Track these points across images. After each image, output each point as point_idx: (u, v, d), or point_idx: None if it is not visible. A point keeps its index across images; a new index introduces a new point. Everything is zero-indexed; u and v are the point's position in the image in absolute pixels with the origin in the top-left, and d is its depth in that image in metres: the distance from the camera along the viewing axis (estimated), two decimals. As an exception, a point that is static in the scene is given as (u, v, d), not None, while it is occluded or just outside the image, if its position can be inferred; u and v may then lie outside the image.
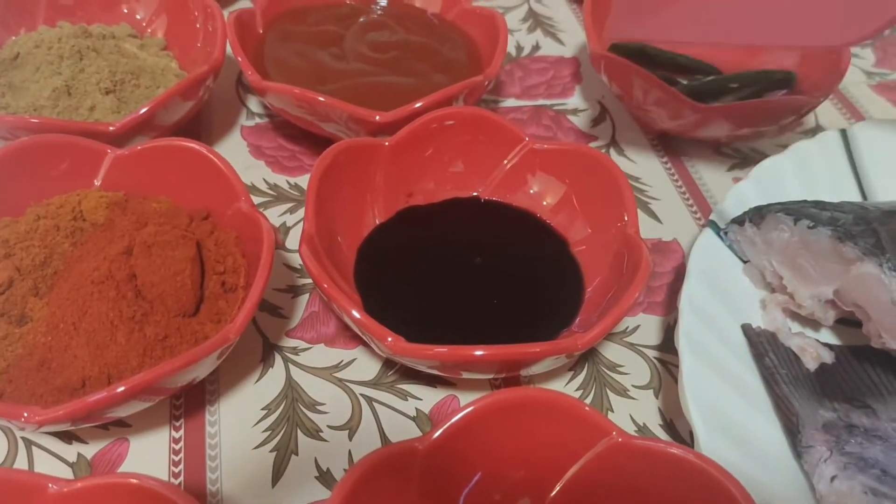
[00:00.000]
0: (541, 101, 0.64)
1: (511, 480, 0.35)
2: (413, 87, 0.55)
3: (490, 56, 0.57)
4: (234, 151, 0.57)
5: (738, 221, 0.46)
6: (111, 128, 0.48)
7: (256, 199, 0.53)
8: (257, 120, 0.60)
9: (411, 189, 0.50)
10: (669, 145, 0.61)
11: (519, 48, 0.69)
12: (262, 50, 0.57)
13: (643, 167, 0.59)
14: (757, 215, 0.46)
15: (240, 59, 0.53)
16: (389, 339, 0.38)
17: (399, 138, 0.49)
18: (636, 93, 0.57)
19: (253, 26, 0.58)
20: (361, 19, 0.60)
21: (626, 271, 0.43)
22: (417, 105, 0.50)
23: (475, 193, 0.51)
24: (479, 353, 0.37)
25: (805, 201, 0.45)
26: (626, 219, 0.45)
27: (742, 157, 0.60)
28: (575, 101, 0.64)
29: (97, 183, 0.47)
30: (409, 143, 0.49)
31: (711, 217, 0.48)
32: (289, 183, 0.55)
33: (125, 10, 0.60)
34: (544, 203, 0.49)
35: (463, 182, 0.51)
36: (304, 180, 0.55)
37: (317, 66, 0.56)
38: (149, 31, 0.60)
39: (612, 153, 0.60)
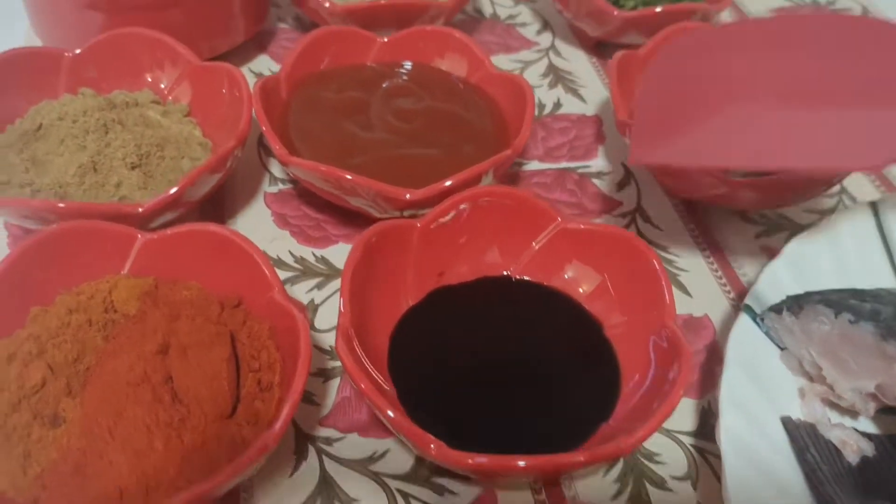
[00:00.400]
0: (564, 164, 0.63)
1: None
2: (441, 159, 0.54)
3: (516, 123, 0.57)
4: (259, 221, 0.56)
5: (776, 310, 0.46)
6: (140, 209, 0.48)
7: (283, 274, 0.53)
8: (280, 186, 0.59)
9: (442, 269, 0.50)
10: (695, 211, 0.60)
11: (541, 106, 0.68)
12: (286, 117, 0.57)
13: (670, 235, 0.58)
14: (795, 305, 0.45)
15: (264, 127, 0.52)
16: (432, 445, 0.37)
17: (430, 218, 0.48)
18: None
19: (277, 92, 0.58)
20: (385, 84, 0.60)
21: (664, 364, 0.43)
22: (448, 183, 0.50)
23: (506, 273, 0.51)
24: (521, 463, 0.37)
25: (844, 290, 0.45)
26: (663, 308, 0.44)
27: (769, 224, 0.60)
28: (599, 163, 0.64)
29: (126, 268, 0.46)
30: (441, 224, 0.49)
31: (747, 301, 0.48)
32: (315, 256, 0.54)
33: (149, 79, 0.59)
34: (580, 290, 0.49)
35: (494, 261, 0.51)
36: (330, 253, 0.55)
37: (343, 138, 0.55)
38: (171, 97, 0.59)
39: (638, 219, 0.59)
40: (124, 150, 0.52)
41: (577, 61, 0.74)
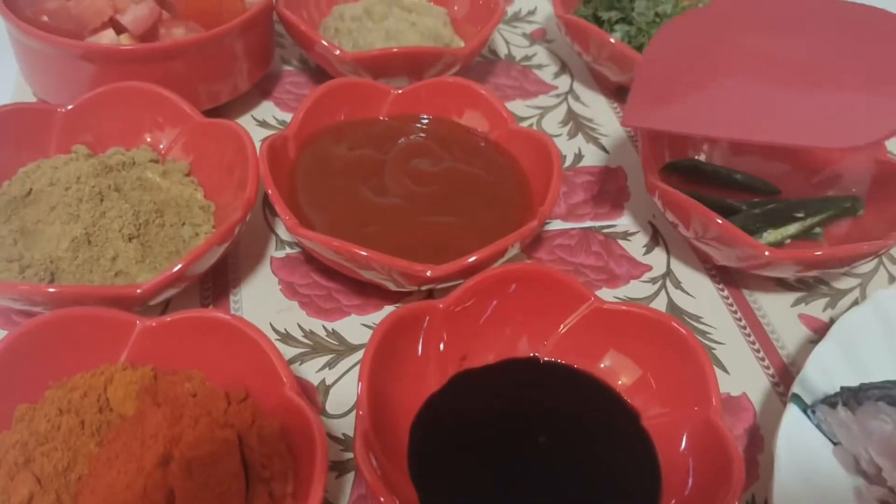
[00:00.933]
0: (588, 223, 0.60)
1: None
2: (462, 227, 0.51)
3: (540, 185, 0.53)
4: (266, 291, 0.52)
5: (830, 403, 0.42)
6: (138, 290, 0.44)
7: (292, 351, 0.49)
8: (288, 250, 0.55)
9: (465, 352, 0.46)
10: (728, 276, 0.57)
11: (561, 157, 0.65)
12: (295, 179, 0.53)
13: (703, 303, 0.55)
14: (852, 399, 0.42)
15: (270, 190, 0.49)
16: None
17: (454, 300, 0.45)
18: (695, 226, 0.53)
19: (285, 151, 0.54)
20: (401, 141, 0.56)
21: (710, 467, 0.39)
22: (471, 259, 0.46)
23: (533, 354, 0.47)
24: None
25: (904, 384, 0.42)
26: (708, 406, 0.41)
27: (807, 288, 0.57)
28: (625, 222, 0.60)
29: (123, 356, 0.42)
30: (464, 304, 0.45)
31: (795, 390, 0.44)
32: (326, 329, 0.51)
33: (147, 138, 0.55)
34: (619, 382, 0.45)
35: (520, 341, 0.47)
36: (343, 327, 0.51)
37: (356, 204, 0.51)
38: (171, 155, 0.55)
39: (669, 285, 0.56)
40: (121, 221, 0.48)
41: (598, 107, 0.70)
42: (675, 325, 0.43)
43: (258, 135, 0.63)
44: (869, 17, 0.52)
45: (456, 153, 0.56)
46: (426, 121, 0.59)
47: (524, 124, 0.67)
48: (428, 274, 0.46)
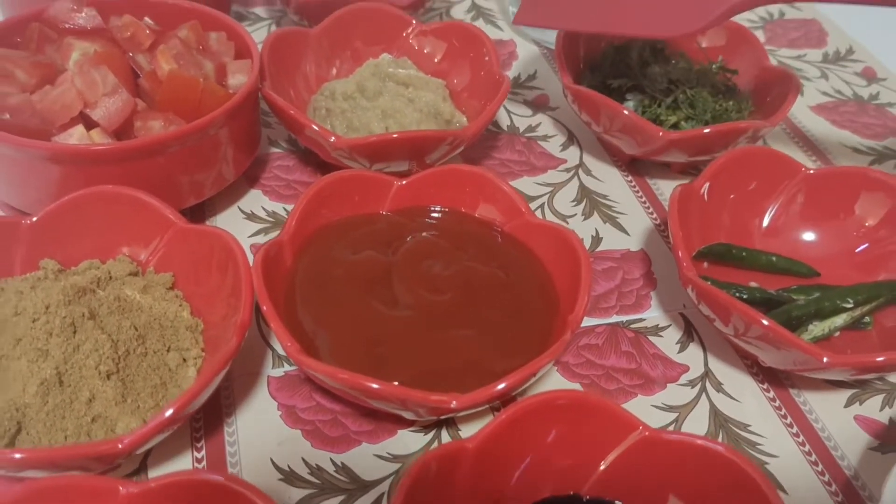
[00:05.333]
0: (615, 318, 0.54)
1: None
2: (483, 342, 0.46)
3: (566, 284, 0.48)
4: (264, 419, 0.47)
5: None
6: (120, 444, 0.38)
7: (298, 493, 0.43)
8: (286, 367, 0.50)
9: (498, 496, 0.40)
10: (774, 376, 0.52)
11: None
12: (293, 290, 0.47)
13: (748, 408, 0.50)
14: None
15: (265, 308, 0.43)
16: None
17: (484, 437, 0.39)
18: (735, 324, 0.48)
19: (280, 259, 0.48)
20: (409, 239, 0.50)
21: None
22: (500, 387, 0.41)
23: (574, 493, 0.41)
24: None
25: None
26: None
27: (860, 384, 0.52)
28: (654, 314, 0.55)
29: (104, 530, 0.36)
30: (497, 442, 0.39)
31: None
32: (335, 464, 0.45)
33: (125, 250, 0.50)
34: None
35: (560, 477, 0.41)
36: (353, 459, 0.45)
37: (363, 319, 0.46)
38: (152, 265, 0.50)
39: (709, 387, 0.50)
40: (97, 355, 0.42)
41: (612, 181, 0.66)
42: (745, 463, 0.38)
43: (246, 230, 0.58)
44: None
45: (470, 251, 0.50)
46: (434, 214, 0.54)
47: (535, 205, 0.62)
48: (453, 405, 0.41)
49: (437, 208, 0.54)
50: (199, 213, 0.58)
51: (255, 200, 0.61)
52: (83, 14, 0.58)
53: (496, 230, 0.53)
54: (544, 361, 0.42)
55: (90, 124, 0.53)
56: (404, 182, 0.53)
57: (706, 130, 0.59)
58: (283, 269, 0.48)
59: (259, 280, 0.45)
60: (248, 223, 0.59)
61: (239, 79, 0.58)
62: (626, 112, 0.60)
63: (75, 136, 0.52)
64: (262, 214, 0.60)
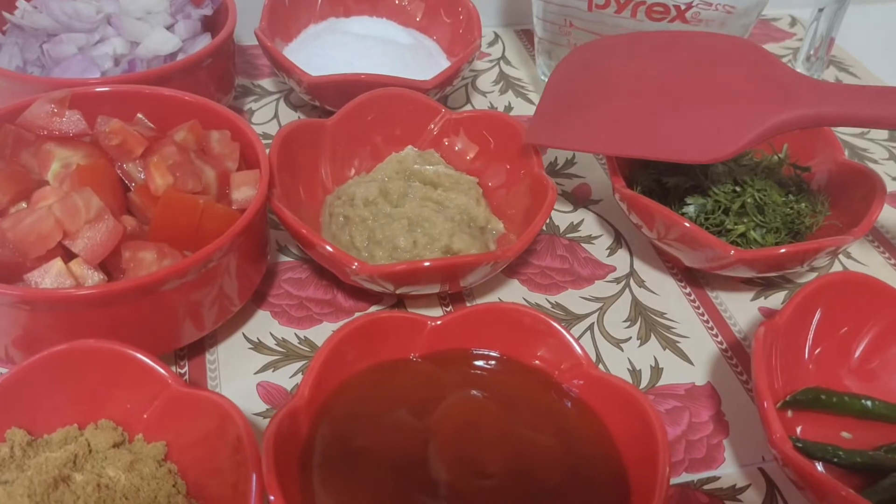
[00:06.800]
0: (684, 477, 0.46)
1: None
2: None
3: (636, 456, 0.40)
4: None
5: None
6: None
7: None
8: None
9: None
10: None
11: (634, 372, 0.52)
12: (310, 474, 0.40)
13: None
14: None
15: (275, 501, 0.35)
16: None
17: None
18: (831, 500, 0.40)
19: (295, 429, 0.40)
20: (447, 400, 0.43)
21: None
22: None
23: None
24: None
25: None
26: None
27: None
28: (729, 471, 0.47)
29: None
30: None
31: None
32: None
33: (110, 416, 0.42)
34: None
35: None
36: None
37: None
38: (141, 433, 0.42)
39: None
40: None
41: (668, 293, 0.58)
42: None
43: (253, 364, 0.50)
44: (724, 44, 0.57)
45: (520, 412, 0.43)
46: (475, 363, 0.45)
47: (583, 325, 0.54)
48: None
49: (478, 352, 0.46)
50: (197, 344, 0.50)
51: (263, 325, 0.53)
52: (65, 119, 0.50)
53: (548, 383, 0.45)
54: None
55: (71, 254, 0.45)
56: (439, 322, 0.45)
57: (782, 251, 0.51)
58: (297, 443, 0.40)
59: (269, 466, 0.37)
60: (254, 355, 0.51)
61: (245, 192, 0.50)
62: (687, 224, 0.52)
63: (52, 273, 0.44)
64: (271, 343, 0.52)
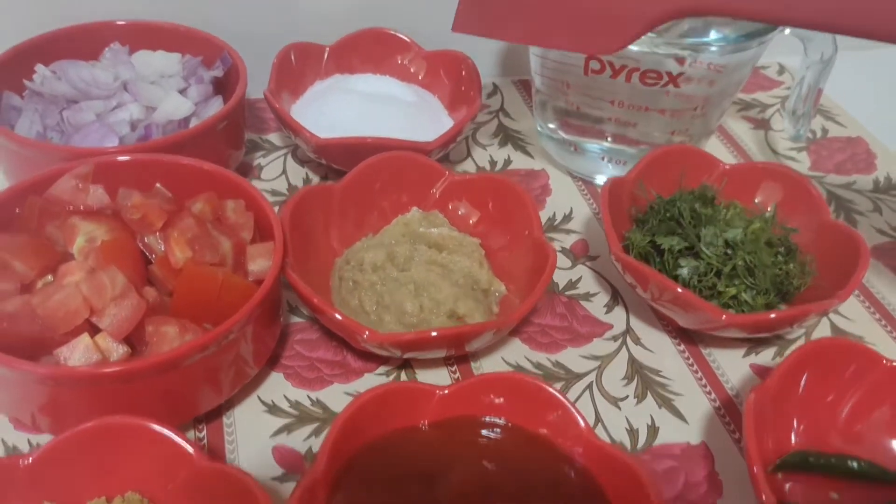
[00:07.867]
0: (681, 537, 0.49)
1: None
2: None
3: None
4: None
5: None
6: None
7: None
8: None
9: None
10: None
11: (632, 431, 0.54)
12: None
13: None
14: None
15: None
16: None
17: None
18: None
19: (314, 498, 0.43)
20: (455, 472, 0.45)
21: None
22: None
23: None
24: None
25: None
26: None
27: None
28: (724, 531, 0.49)
29: None
30: None
31: None
32: None
33: (135, 488, 0.44)
34: None
35: None
36: None
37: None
38: (165, 501, 0.44)
39: None
40: None
41: (663, 351, 0.60)
42: None
43: (268, 427, 0.53)
44: None
45: (527, 481, 0.45)
46: (482, 431, 0.48)
47: (581, 384, 0.57)
48: None
49: (485, 420, 0.48)
50: (215, 408, 0.53)
51: (276, 387, 0.55)
52: (89, 194, 0.53)
53: (555, 451, 0.47)
54: None
55: (96, 328, 0.48)
56: (446, 392, 0.48)
57: (772, 315, 0.54)
58: (313, 516, 0.43)
59: (290, 541, 0.39)
60: (269, 418, 0.53)
61: (261, 264, 0.52)
62: (679, 290, 0.55)
63: (80, 348, 0.46)
64: (285, 406, 0.54)
